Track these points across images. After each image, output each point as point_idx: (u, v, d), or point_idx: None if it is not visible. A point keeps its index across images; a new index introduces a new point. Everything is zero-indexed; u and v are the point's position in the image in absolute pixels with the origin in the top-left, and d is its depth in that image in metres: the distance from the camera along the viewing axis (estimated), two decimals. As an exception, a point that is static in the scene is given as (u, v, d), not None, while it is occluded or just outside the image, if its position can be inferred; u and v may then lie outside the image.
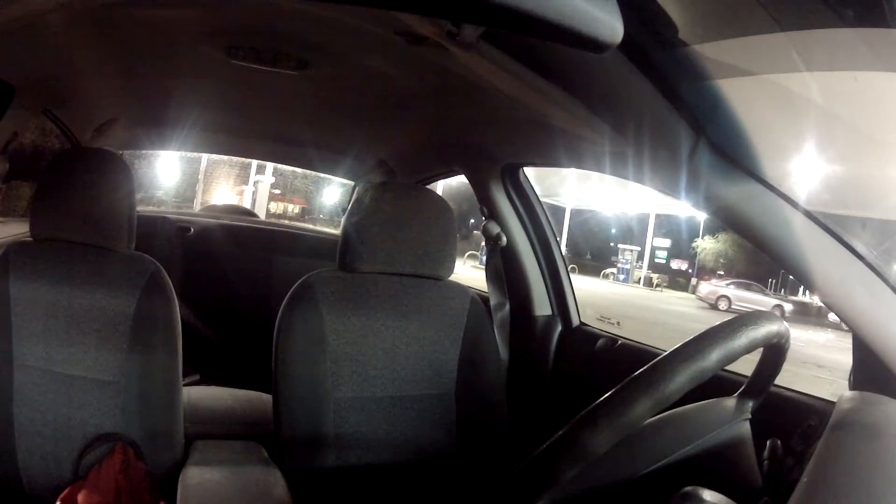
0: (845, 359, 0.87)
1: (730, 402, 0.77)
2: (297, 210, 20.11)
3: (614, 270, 29.19)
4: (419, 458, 1.20)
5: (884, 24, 0.72)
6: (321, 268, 1.22)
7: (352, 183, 2.50)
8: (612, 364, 1.48)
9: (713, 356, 0.57)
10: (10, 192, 1.85)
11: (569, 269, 1.86)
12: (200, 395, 1.50)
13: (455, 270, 1.32)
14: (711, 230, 29.92)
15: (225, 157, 10.04)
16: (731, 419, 0.73)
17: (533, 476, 0.56)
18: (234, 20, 1.12)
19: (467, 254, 13.98)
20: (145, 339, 1.18)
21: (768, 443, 0.77)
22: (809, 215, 0.81)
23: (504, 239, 1.69)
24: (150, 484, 1.14)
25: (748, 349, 0.61)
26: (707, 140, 0.82)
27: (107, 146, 1.90)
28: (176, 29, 1.17)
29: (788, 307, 15.03)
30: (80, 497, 1.07)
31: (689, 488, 0.54)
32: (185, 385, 1.26)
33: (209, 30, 1.17)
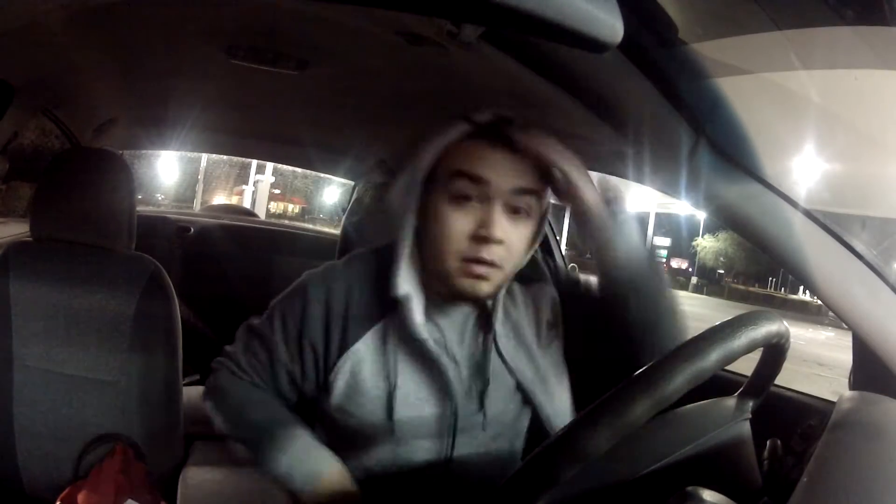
0: (845, 357, 0.87)
1: (730, 402, 0.77)
2: (297, 210, 20.13)
3: (614, 269, 29.12)
4: None
5: (883, 23, 0.72)
6: None
7: (352, 183, 2.50)
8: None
9: (713, 356, 0.57)
10: (10, 192, 1.85)
11: (569, 268, 1.86)
12: (200, 395, 1.50)
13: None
14: (711, 229, 29.99)
15: (225, 157, 10.07)
16: (731, 419, 0.73)
17: (533, 476, 0.56)
18: (234, 20, 1.12)
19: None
20: (145, 339, 1.18)
21: (768, 443, 0.77)
22: (809, 215, 0.81)
23: None
24: (150, 484, 1.14)
25: (748, 349, 0.61)
26: (707, 140, 0.82)
27: (107, 146, 1.90)
28: (176, 29, 1.17)
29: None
30: (80, 497, 1.07)
31: (689, 488, 0.54)
32: (185, 385, 1.26)
33: (209, 30, 1.17)
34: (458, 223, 0.77)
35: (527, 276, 0.91)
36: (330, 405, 0.86)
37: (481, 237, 0.76)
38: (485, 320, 0.87)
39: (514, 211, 0.79)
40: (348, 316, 0.84)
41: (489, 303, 0.86)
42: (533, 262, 0.92)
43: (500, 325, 0.86)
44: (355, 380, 0.84)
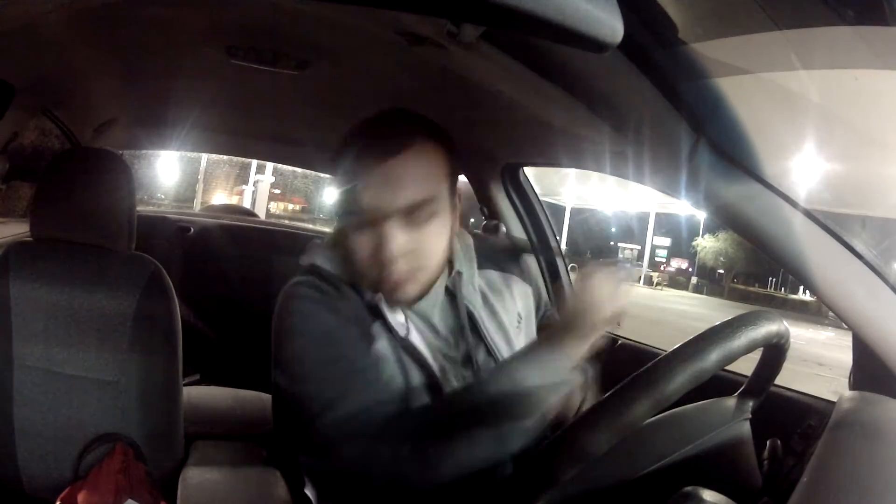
0: (845, 357, 0.87)
1: (730, 402, 0.77)
2: (297, 210, 20.13)
3: (614, 269, 29.10)
4: None
5: (883, 23, 0.72)
6: None
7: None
8: (612, 364, 1.48)
9: (713, 356, 0.57)
10: (10, 192, 1.85)
11: (569, 268, 1.86)
12: (200, 395, 1.50)
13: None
14: (711, 229, 30.00)
15: (225, 157, 10.08)
16: (731, 419, 0.73)
17: (533, 476, 0.56)
18: (234, 20, 1.12)
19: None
20: (145, 339, 1.18)
21: (768, 443, 0.77)
22: (809, 215, 0.81)
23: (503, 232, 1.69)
24: (150, 484, 1.14)
25: (748, 349, 0.61)
26: (707, 139, 0.82)
27: (107, 146, 1.90)
28: (176, 29, 1.17)
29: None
30: (80, 497, 1.07)
31: (689, 488, 0.54)
32: (185, 385, 1.26)
33: (209, 30, 1.17)
34: (364, 249, 0.82)
35: (507, 269, 0.98)
36: None
37: (381, 260, 0.80)
38: (456, 304, 0.90)
39: (410, 223, 0.80)
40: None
41: (452, 283, 0.90)
42: (515, 258, 1.02)
43: (479, 309, 0.91)
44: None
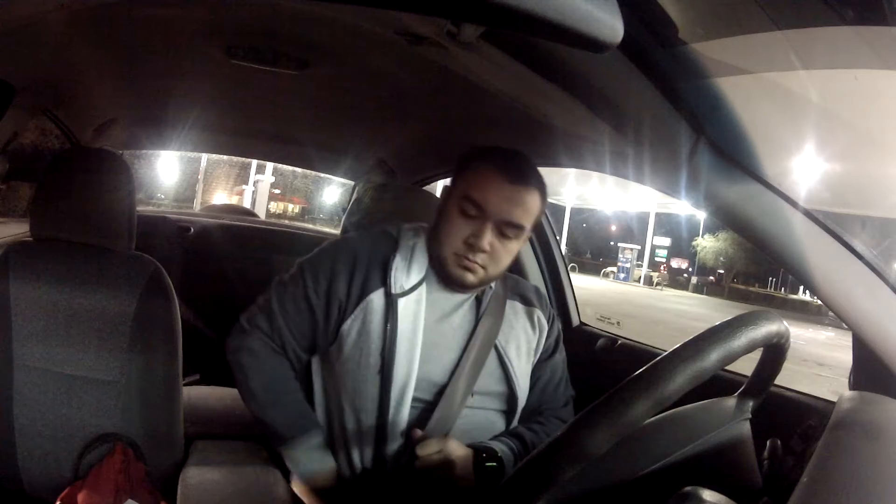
0: (845, 357, 0.87)
1: (730, 402, 0.77)
2: (297, 210, 20.13)
3: (614, 269, 29.23)
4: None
5: (884, 23, 0.72)
6: None
7: (352, 183, 2.50)
8: (612, 364, 1.48)
9: (713, 356, 0.57)
10: (10, 193, 1.85)
11: (569, 268, 1.86)
12: (200, 395, 1.50)
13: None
14: (711, 229, 30.01)
15: (225, 157, 10.07)
16: (731, 419, 0.73)
17: (533, 476, 0.56)
18: (234, 20, 1.12)
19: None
20: (145, 339, 1.18)
21: (768, 443, 0.77)
22: (809, 214, 0.81)
23: None
24: (150, 484, 1.14)
25: (748, 349, 0.61)
26: (707, 139, 0.82)
27: (107, 146, 1.90)
28: (176, 29, 1.17)
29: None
30: (80, 497, 1.07)
31: (689, 488, 0.54)
32: (185, 385, 1.26)
33: (209, 30, 1.17)
34: (460, 230, 1.04)
35: (529, 300, 1.19)
36: (339, 354, 1.07)
37: (471, 245, 1.03)
38: (478, 303, 1.13)
39: (501, 234, 1.04)
40: (368, 274, 1.07)
41: (482, 292, 1.13)
42: (538, 293, 1.23)
43: (492, 316, 1.11)
44: (366, 325, 1.05)
